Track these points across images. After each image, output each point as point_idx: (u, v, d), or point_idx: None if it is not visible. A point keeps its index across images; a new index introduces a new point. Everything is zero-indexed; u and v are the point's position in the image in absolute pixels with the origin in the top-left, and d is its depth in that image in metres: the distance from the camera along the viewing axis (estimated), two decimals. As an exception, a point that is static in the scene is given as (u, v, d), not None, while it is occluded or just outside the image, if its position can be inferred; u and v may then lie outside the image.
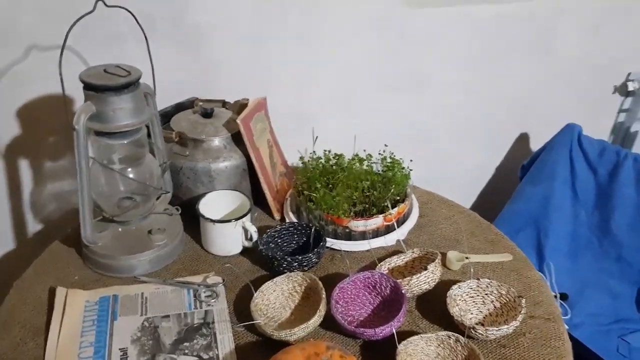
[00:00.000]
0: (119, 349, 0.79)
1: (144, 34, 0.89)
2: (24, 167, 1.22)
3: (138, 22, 0.87)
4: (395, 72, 1.41)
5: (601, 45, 1.57)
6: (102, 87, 0.81)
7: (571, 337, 1.31)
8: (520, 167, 1.57)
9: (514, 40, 1.47)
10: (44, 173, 1.23)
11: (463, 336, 0.78)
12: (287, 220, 1.07)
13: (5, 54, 1.08)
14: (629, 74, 1.65)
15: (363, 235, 1.02)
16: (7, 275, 1.00)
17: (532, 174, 1.49)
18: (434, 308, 0.88)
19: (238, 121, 1.03)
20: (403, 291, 0.84)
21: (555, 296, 1.41)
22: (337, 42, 1.31)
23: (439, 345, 0.79)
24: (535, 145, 1.65)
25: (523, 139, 1.67)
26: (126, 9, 0.85)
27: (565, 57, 1.55)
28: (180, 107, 1.17)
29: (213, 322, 0.85)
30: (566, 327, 1.34)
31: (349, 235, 1.02)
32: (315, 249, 0.94)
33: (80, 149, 0.83)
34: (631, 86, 1.61)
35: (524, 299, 0.84)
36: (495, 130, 1.63)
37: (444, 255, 0.98)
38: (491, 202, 1.67)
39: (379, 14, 1.30)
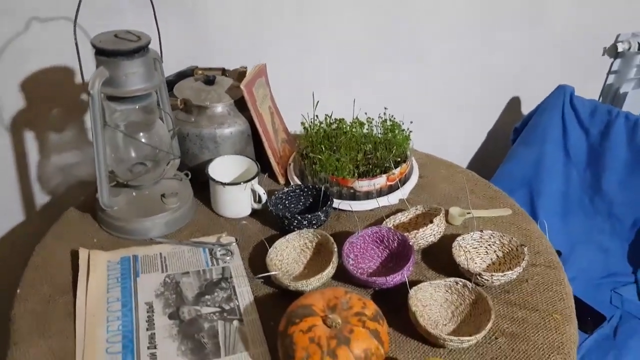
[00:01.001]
0: (145, 303, 0.83)
1: None
2: (30, 140, 1.23)
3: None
4: (390, 42, 1.43)
5: (590, 7, 1.60)
6: (114, 52, 0.83)
7: None
8: (512, 129, 1.61)
9: (505, 7, 1.50)
10: (48, 146, 1.25)
11: (470, 282, 0.83)
12: (292, 184, 1.10)
13: (8, 26, 1.08)
14: (618, 35, 1.69)
15: (367, 196, 1.06)
16: (19, 246, 1.02)
17: (524, 136, 1.54)
18: (440, 260, 0.93)
19: (242, 87, 1.05)
20: (410, 243, 0.89)
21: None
22: (334, 12, 1.33)
23: (447, 291, 0.84)
24: (526, 109, 1.69)
25: (514, 102, 1.71)
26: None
27: (555, 20, 1.59)
28: (181, 76, 1.19)
29: (231, 277, 0.89)
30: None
31: (354, 196, 1.06)
32: (324, 207, 0.97)
33: (96, 114, 0.85)
34: (620, 47, 1.65)
35: (526, 247, 0.89)
36: (487, 95, 1.67)
37: (446, 211, 1.03)
38: (484, 165, 1.72)
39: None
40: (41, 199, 1.32)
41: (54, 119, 1.22)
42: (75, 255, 0.91)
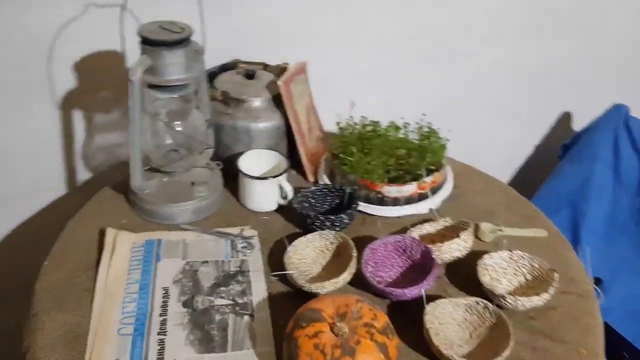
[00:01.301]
0: (162, 288, 0.85)
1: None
2: (78, 119, 1.28)
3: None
4: (433, 46, 1.40)
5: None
6: (157, 41, 0.85)
7: (605, 324, 1.31)
8: (561, 146, 1.54)
9: (563, 11, 1.43)
10: (94, 125, 1.29)
11: (492, 304, 0.79)
12: (320, 183, 1.09)
13: (68, 10, 1.13)
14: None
15: (395, 202, 1.04)
16: (58, 218, 1.06)
17: (573, 154, 1.47)
18: (464, 276, 0.89)
19: (280, 83, 1.05)
20: (433, 256, 0.86)
21: (592, 281, 1.41)
22: (378, 13, 1.31)
23: (466, 310, 0.81)
24: (577, 125, 1.62)
25: (565, 118, 1.64)
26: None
27: (616, 33, 1.50)
28: (224, 69, 1.20)
29: (248, 271, 0.89)
30: (597, 309, 1.34)
31: (382, 201, 1.04)
32: (348, 210, 0.96)
33: (135, 100, 0.87)
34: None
35: (557, 273, 0.84)
36: (536, 108, 1.60)
37: (476, 226, 0.99)
38: (529, 180, 1.65)
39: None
40: (83, 175, 1.37)
41: (101, 101, 1.26)
42: (102, 234, 0.93)
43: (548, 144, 1.65)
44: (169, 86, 0.90)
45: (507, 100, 1.54)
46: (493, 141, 1.61)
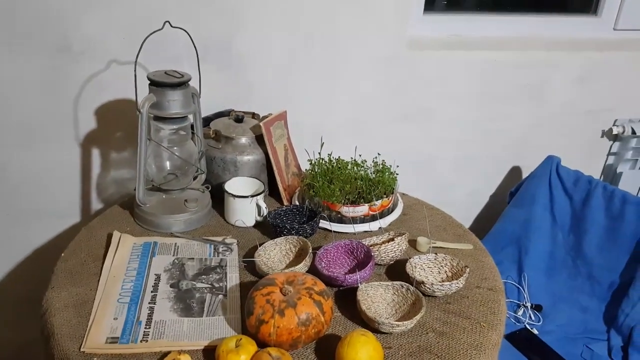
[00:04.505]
0: (154, 274, 1.06)
1: (196, 50, 1.20)
2: (95, 156, 1.54)
3: (192, 41, 1.19)
4: (401, 105, 1.67)
5: (590, 94, 1.80)
6: (161, 83, 1.12)
7: (541, 342, 1.50)
8: (508, 193, 1.78)
9: (509, 85, 1.72)
10: (109, 161, 1.55)
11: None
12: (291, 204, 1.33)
13: (95, 65, 1.42)
14: (616, 120, 1.86)
15: (352, 221, 1.27)
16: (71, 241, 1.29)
17: (517, 199, 1.70)
18: (399, 276, 1.10)
19: (261, 124, 1.32)
20: (373, 254, 1.08)
21: (531, 306, 1.61)
22: (352, 77, 1.60)
23: (394, 293, 1.02)
24: (524, 175, 1.86)
25: (516, 170, 1.88)
26: (185, 30, 1.17)
27: (556, 102, 1.78)
28: (219, 115, 1.48)
29: (226, 266, 1.11)
30: (536, 332, 1.53)
31: (341, 220, 1.27)
32: (310, 222, 1.19)
33: (143, 128, 1.13)
34: (615, 130, 1.81)
35: (468, 267, 1.06)
36: (491, 163, 1.85)
37: (415, 240, 1.22)
38: (486, 225, 1.87)
39: (388, 54, 1.59)
40: (96, 205, 1.61)
41: (115, 140, 1.53)
42: (110, 236, 1.16)
43: (501, 193, 1.88)
44: (169, 118, 1.17)
45: (466, 156, 1.79)
46: (453, 192, 1.85)
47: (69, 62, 1.39)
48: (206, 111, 1.45)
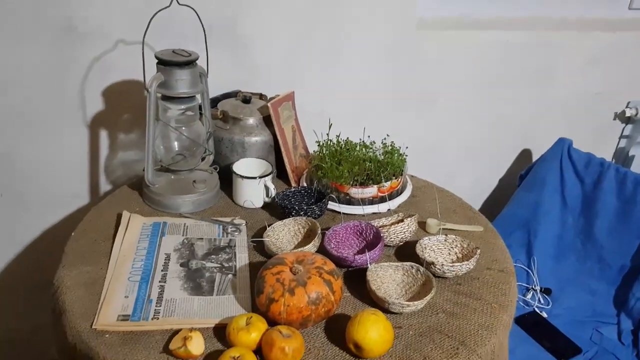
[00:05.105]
0: (164, 254, 1.06)
1: (203, 28, 1.19)
2: (103, 138, 1.53)
3: (200, 19, 1.18)
4: (407, 90, 1.66)
5: (601, 76, 1.77)
6: (170, 62, 1.11)
7: (550, 325, 1.49)
8: (518, 176, 1.76)
9: (519, 67, 1.70)
10: (117, 143, 1.55)
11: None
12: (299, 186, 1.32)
13: (103, 46, 1.41)
14: (629, 102, 1.83)
15: (361, 203, 1.26)
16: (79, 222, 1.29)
17: (527, 182, 1.69)
18: (409, 257, 1.09)
19: (269, 104, 1.30)
20: (382, 235, 1.07)
21: (540, 289, 1.60)
22: (358, 59, 1.58)
23: (404, 273, 1.01)
24: (534, 159, 1.84)
25: (526, 153, 1.87)
26: (192, 8, 1.15)
27: (567, 84, 1.76)
28: (226, 96, 1.47)
29: (235, 246, 1.10)
30: (545, 315, 1.53)
31: (349, 202, 1.26)
32: (318, 203, 1.18)
33: (151, 108, 1.12)
34: (628, 112, 1.79)
35: (479, 249, 1.05)
36: (501, 146, 1.84)
37: (424, 222, 1.21)
38: (495, 209, 1.86)
39: (395, 36, 1.57)
40: (104, 187, 1.61)
41: (123, 122, 1.52)
42: (119, 216, 1.16)
43: (511, 176, 1.87)
44: (177, 98, 1.16)
45: (473, 141, 1.78)
46: (460, 177, 1.83)
47: (74, 43, 1.38)
48: (213, 92, 1.44)
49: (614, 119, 1.87)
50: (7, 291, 1.65)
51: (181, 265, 1.04)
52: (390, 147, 1.35)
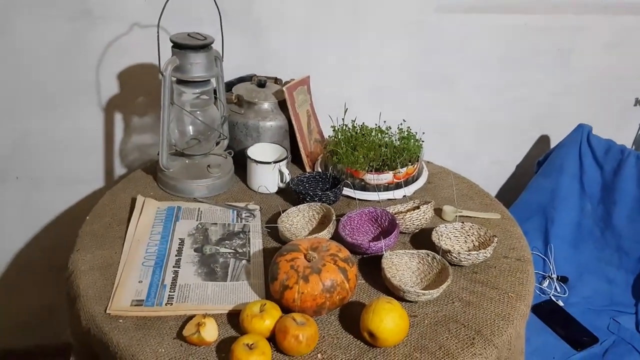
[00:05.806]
0: (179, 239, 1.06)
1: (218, 10, 1.17)
2: (118, 121, 1.53)
3: (216, 3, 1.16)
4: (426, 71, 1.63)
5: (622, 61, 1.72)
6: (185, 45, 1.10)
7: (566, 314, 1.48)
8: (536, 162, 1.73)
9: (537, 51, 1.66)
10: (131, 127, 1.55)
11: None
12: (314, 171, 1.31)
13: (118, 29, 1.40)
14: (649, 88, 1.78)
15: (376, 189, 1.24)
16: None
17: (544, 168, 1.66)
18: (424, 244, 1.08)
19: (284, 88, 1.29)
20: (397, 222, 1.06)
21: (557, 277, 1.58)
22: (374, 44, 1.55)
23: (419, 261, 1.00)
24: (552, 145, 1.81)
25: (544, 139, 1.83)
26: (208, -8, 1.14)
27: (586, 69, 1.71)
28: (241, 80, 1.45)
29: (249, 231, 1.10)
30: (561, 304, 1.51)
31: (364, 187, 1.24)
32: (333, 189, 1.17)
33: (166, 92, 1.11)
34: (650, 98, 1.74)
35: (496, 237, 1.03)
36: (518, 131, 1.80)
37: (440, 209, 1.19)
38: (512, 195, 1.83)
39: (413, 18, 1.53)
40: (119, 171, 1.61)
41: (138, 105, 1.52)
42: (133, 200, 1.16)
43: (528, 163, 1.83)
44: (192, 82, 1.14)
45: (490, 124, 1.75)
46: (476, 161, 1.81)
47: (89, 26, 1.37)
48: (228, 76, 1.42)
49: (635, 104, 1.82)
50: (24, 273, 1.67)
51: (195, 250, 1.04)
52: (406, 133, 1.33)
